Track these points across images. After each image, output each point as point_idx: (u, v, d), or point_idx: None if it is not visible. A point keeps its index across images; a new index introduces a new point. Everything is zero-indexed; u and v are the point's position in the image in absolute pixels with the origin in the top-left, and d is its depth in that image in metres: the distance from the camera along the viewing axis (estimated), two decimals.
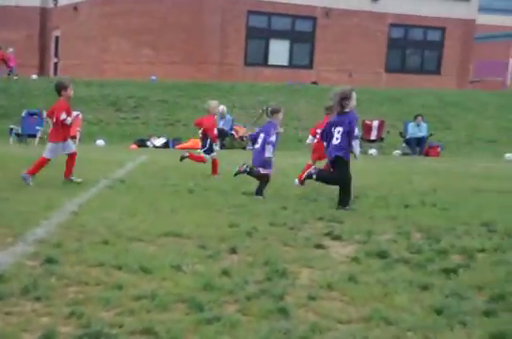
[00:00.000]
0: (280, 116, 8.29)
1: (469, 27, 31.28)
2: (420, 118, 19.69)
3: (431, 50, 31.63)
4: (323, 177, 7.49)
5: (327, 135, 7.46)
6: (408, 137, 19.68)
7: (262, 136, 8.06)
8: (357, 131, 7.43)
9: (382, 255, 4.77)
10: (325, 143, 7.58)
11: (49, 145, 8.44)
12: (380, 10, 30.03)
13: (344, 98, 7.24)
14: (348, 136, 7.22)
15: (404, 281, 4.01)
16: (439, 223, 6.30)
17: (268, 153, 7.95)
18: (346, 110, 7.29)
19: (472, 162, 16.21)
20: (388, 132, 20.21)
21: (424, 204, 7.69)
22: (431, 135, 19.92)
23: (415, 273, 4.27)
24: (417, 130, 19.51)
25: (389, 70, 30.66)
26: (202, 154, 10.42)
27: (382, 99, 24.47)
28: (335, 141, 7.27)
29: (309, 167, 8.57)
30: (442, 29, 31.11)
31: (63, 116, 8.35)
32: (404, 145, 19.85)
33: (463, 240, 5.46)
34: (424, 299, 3.63)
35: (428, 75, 30.99)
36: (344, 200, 7.20)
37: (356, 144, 7.30)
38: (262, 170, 8.02)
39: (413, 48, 31.69)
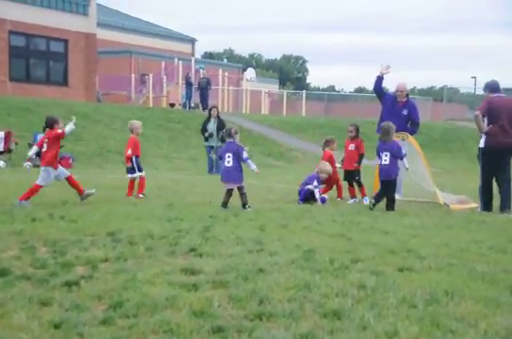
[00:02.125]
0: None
1: (90, 41, 31.86)
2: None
3: (56, 61, 31.38)
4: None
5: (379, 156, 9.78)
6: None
7: (229, 155, 9.07)
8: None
9: (3, 273, 4.60)
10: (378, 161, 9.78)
11: None
12: None
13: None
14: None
15: (24, 298, 3.92)
16: (66, 236, 6.30)
17: (253, 166, 9.18)
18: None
19: (102, 173, 16.61)
20: (17, 143, 19.46)
21: (52, 218, 7.61)
22: (62, 146, 19.79)
23: (37, 289, 4.21)
24: None
25: (13, 79, 29.48)
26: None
27: (10, 109, 23.52)
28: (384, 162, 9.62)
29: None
30: (65, 41, 31.15)
31: None
32: (34, 157, 19.25)
33: (89, 251, 5.55)
34: (43, 315, 3.60)
35: (56, 86, 30.72)
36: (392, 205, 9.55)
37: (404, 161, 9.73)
38: (234, 185, 9.09)
39: (37, 58, 31.10)
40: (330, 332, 3.48)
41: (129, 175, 10.74)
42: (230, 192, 9.11)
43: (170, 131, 25.39)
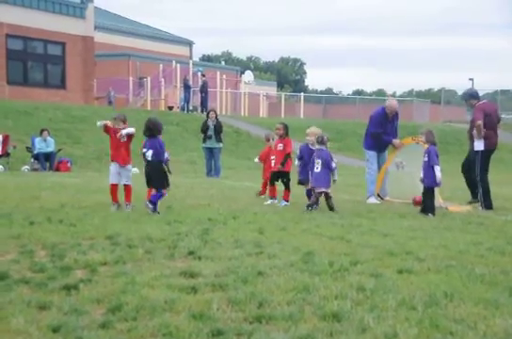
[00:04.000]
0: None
1: (88, 44, 31.91)
2: (46, 132, 19.49)
3: (54, 64, 31.46)
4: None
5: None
6: (36, 151, 19.27)
7: (318, 161, 9.48)
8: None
9: (1, 277, 4.59)
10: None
11: None
12: None
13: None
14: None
15: (22, 302, 3.91)
16: (64, 239, 6.30)
17: (336, 177, 9.68)
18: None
19: (101, 176, 16.57)
20: (14, 147, 19.46)
21: (50, 221, 7.60)
22: (60, 150, 19.84)
23: (35, 293, 4.20)
24: (44, 145, 19.25)
25: (11, 82, 29.48)
26: None
27: (7, 112, 23.52)
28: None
29: None
30: (63, 44, 31.18)
31: None
32: (33, 160, 19.36)
33: (87, 255, 5.54)
34: (41, 319, 3.59)
35: (53, 90, 30.74)
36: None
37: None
38: (324, 189, 9.46)
39: (35, 61, 31.14)
40: (330, 335, 3.47)
41: None
42: (319, 195, 9.51)
43: (169, 134, 25.33)
